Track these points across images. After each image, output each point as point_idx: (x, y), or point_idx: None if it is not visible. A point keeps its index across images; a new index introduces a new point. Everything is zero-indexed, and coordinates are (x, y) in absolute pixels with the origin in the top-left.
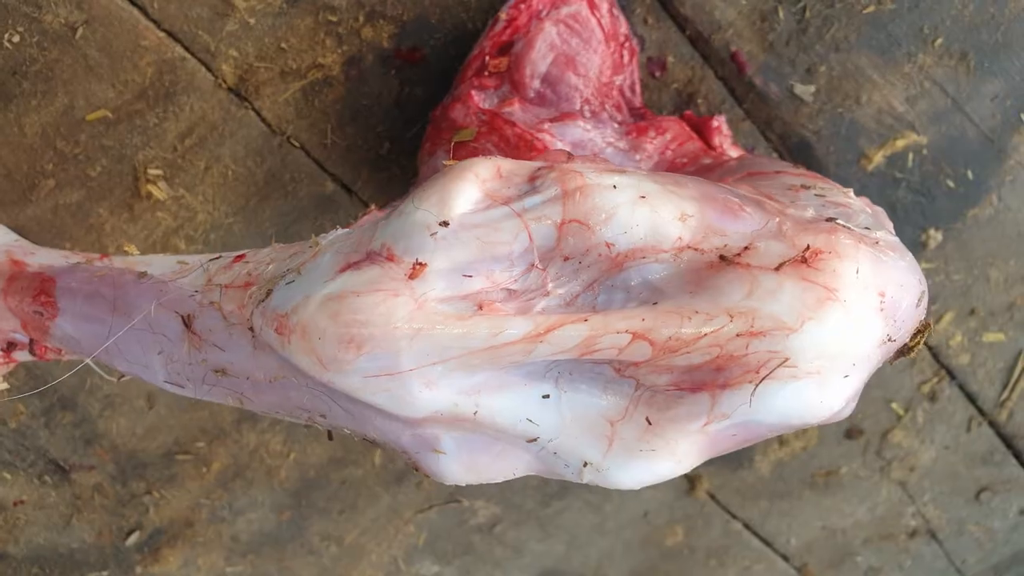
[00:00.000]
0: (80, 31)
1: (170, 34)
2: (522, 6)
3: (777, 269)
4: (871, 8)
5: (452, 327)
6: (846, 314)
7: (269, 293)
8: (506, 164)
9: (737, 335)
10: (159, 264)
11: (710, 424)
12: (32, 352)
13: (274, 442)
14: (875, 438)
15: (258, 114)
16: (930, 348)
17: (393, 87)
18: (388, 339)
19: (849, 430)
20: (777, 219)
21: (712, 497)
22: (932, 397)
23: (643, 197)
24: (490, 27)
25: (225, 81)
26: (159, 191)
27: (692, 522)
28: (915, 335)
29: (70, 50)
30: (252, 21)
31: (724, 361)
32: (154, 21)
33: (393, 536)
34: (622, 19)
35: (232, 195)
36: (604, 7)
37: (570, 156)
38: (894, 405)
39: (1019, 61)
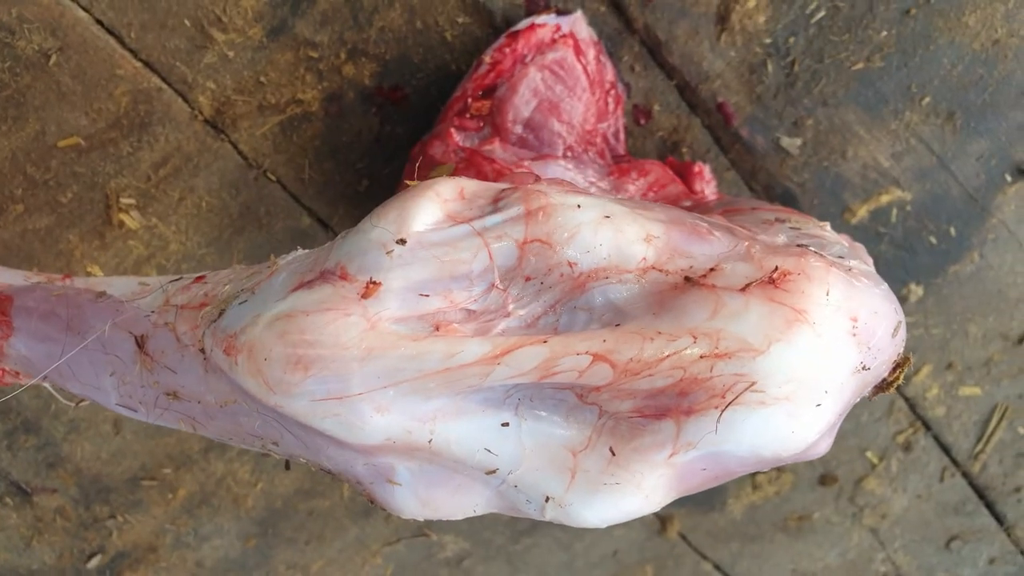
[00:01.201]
0: (54, 58)
1: (147, 64)
2: (507, 50)
3: (743, 290)
4: (860, 65)
5: (405, 348)
6: (816, 337)
7: (222, 313)
8: (470, 185)
9: (701, 357)
10: (120, 285)
11: (676, 455)
12: None
13: (242, 471)
14: (848, 485)
15: (235, 147)
16: (907, 399)
17: (373, 125)
18: (337, 360)
19: (823, 476)
20: (746, 243)
21: (683, 538)
22: (907, 447)
23: (608, 217)
24: (474, 69)
25: (202, 113)
26: (131, 220)
27: (662, 562)
28: (894, 369)
29: (43, 76)
30: (231, 54)
31: (688, 385)
32: (131, 50)
33: (360, 567)
34: (609, 66)
35: (206, 226)
36: (591, 53)
37: (537, 178)
38: (869, 454)
39: (1005, 122)
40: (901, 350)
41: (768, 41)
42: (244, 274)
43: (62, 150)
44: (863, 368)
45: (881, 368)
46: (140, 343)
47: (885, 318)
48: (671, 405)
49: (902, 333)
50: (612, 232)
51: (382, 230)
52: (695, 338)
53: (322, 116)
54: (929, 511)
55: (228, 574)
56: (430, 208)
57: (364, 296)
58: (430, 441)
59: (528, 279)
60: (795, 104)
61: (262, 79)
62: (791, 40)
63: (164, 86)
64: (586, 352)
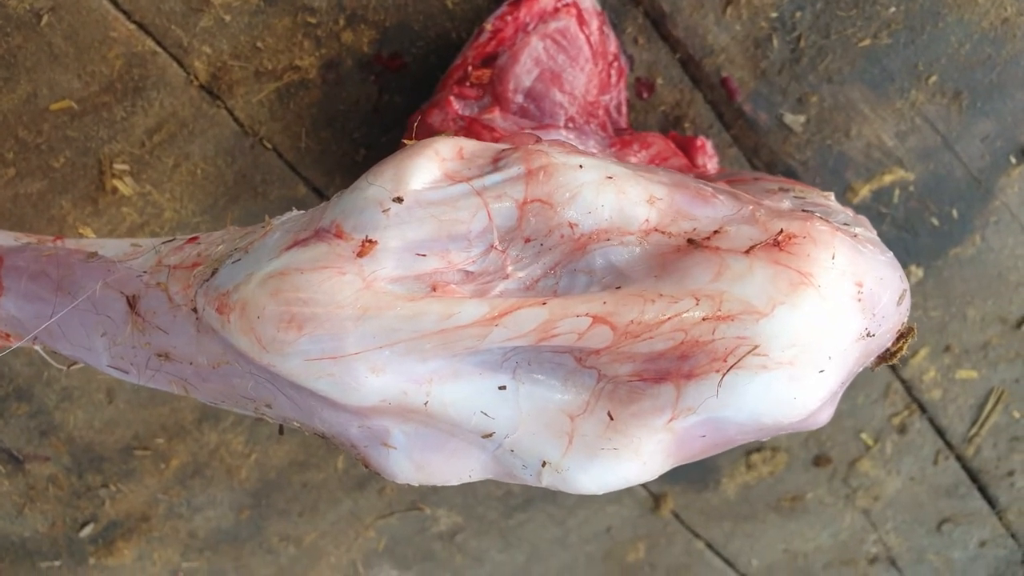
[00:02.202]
0: (45, 18)
1: (141, 26)
2: (509, 18)
3: (747, 252)
4: (867, 42)
5: (401, 308)
6: (821, 301)
7: (215, 272)
8: (469, 144)
9: (703, 319)
10: (112, 246)
11: (675, 420)
12: None
13: (236, 442)
14: (842, 466)
15: (230, 113)
16: (903, 381)
17: (372, 93)
18: (332, 319)
19: (817, 457)
20: (751, 207)
21: (676, 516)
22: (902, 429)
23: (610, 178)
24: (474, 37)
25: (197, 78)
26: (125, 186)
27: (655, 539)
28: (898, 339)
29: (34, 37)
30: (227, 18)
31: (689, 348)
32: (124, 12)
33: (353, 540)
34: (612, 37)
35: (200, 194)
36: (594, 24)
37: (538, 139)
38: (863, 435)
39: (1012, 103)
40: (905, 319)
41: (774, 15)
42: (238, 234)
43: (54, 113)
44: (867, 335)
45: (885, 337)
46: (132, 303)
47: (890, 285)
48: (671, 369)
49: (907, 302)
50: (614, 193)
51: (379, 188)
52: (697, 300)
53: (320, 83)
54: (922, 493)
55: (221, 545)
56: (428, 166)
57: (360, 255)
58: (426, 403)
59: (528, 240)
60: (800, 80)
61: (259, 44)
62: (797, 15)
63: (159, 50)
64: (586, 314)
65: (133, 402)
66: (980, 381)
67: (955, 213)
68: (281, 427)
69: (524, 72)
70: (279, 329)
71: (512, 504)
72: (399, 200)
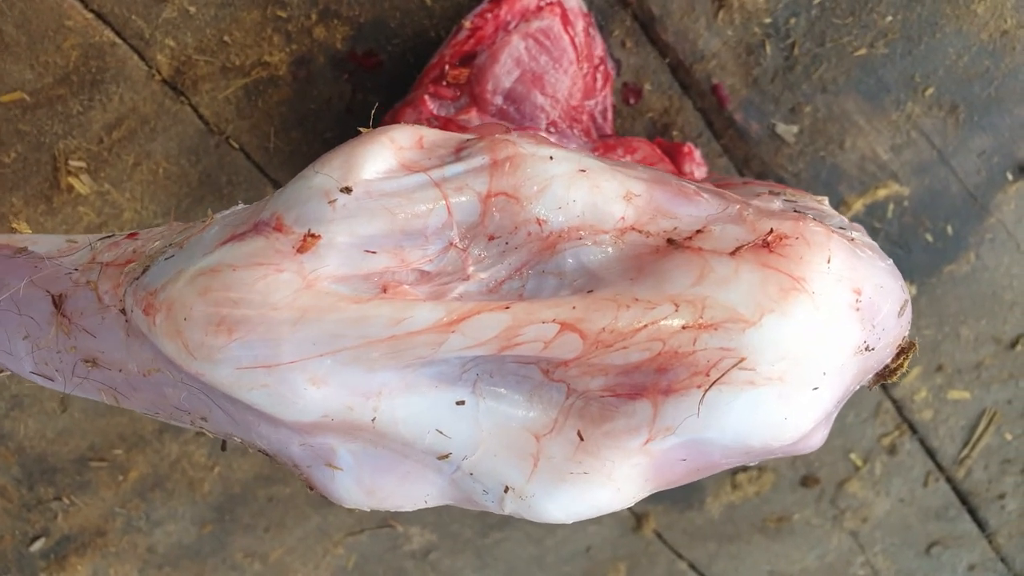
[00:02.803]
0: None
1: (99, 15)
2: (489, 15)
3: (733, 254)
4: (863, 51)
5: (346, 311)
6: (815, 309)
7: (146, 269)
8: (431, 133)
9: (683, 327)
10: (45, 242)
11: (653, 441)
12: None
13: (198, 454)
14: (830, 487)
15: (195, 110)
16: (894, 401)
17: (345, 92)
18: (265, 323)
19: (805, 478)
20: (738, 206)
21: (659, 536)
22: (892, 450)
23: (583, 171)
24: (452, 35)
25: (160, 72)
26: (81, 184)
27: (636, 560)
28: (898, 354)
29: None
30: (192, 10)
31: (667, 359)
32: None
33: (321, 557)
34: (598, 40)
35: (162, 194)
36: (579, 25)
37: (507, 129)
38: (853, 456)
39: (1010, 117)
40: (906, 333)
41: (768, 21)
42: (178, 229)
43: (5, 106)
44: (866, 348)
45: (884, 352)
46: (57, 303)
47: (891, 295)
48: (648, 383)
49: (908, 314)
50: (588, 187)
51: (325, 176)
52: (677, 306)
53: (290, 81)
54: (911, 515)
55: (182, 561)
56: (382, 154)
57: (300, 250)
58: (374, 420)
59: (491, 238)
60: (793, 89)
61: (226, 38)
62: (792, 21)
63: (118, 41)
64: (553, 320)
65: (89, 411)
66: (972, 402)
67: (950, 230)
68: (224, 442)
69: (504, 72)
70: (207, 333)
71: (488, 522)
72: (348, 190)
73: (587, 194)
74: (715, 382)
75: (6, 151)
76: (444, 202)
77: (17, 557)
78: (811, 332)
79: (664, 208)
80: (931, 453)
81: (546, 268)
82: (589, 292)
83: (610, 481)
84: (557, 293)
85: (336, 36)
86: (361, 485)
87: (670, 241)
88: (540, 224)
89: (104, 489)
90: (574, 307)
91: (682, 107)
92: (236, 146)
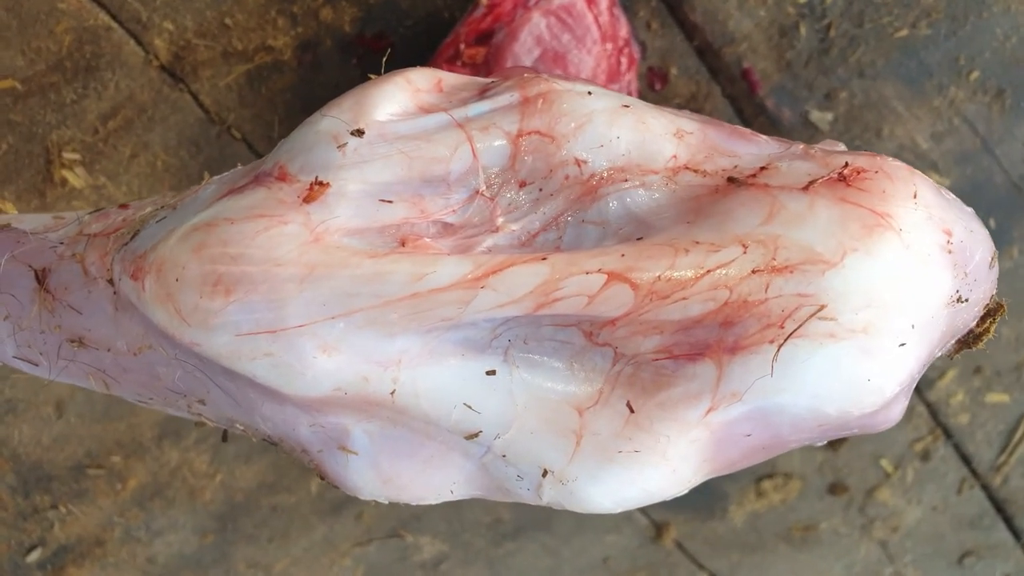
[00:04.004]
0: None
1: None
2: None
3: (805, 189)
4: (904, 32)
5: (360, 267)
6: (904, 249)
7: (136, 234)
8: (450, 77)
9: (753, 271)
10: (31, 220)
11: (715, 411)
12: None
13: (199, 461)
14: (859, 495)
15: (195, 98)
16: (928, 405)
17: (354, 77)
18: (268, 280)
19: (833, 485)
20: (802, 145)
21: (679, 546)
22: (925, 456)
23: (626, 106)
24: (469, 12)
25: (158, 57)
26: (75, 177)
27: (656, 571)
28: (983, 318)
29: None
30: None
31: (735, 311)
32: None
33: (327, 568)
34: (623, 20)
35: (161, 188)
36: (603, 3)
37: (535, 71)
38: (883, 462)
39: None
40: (994, 291)
41: (803, 1)
42: (170, 195)
43: None
44: (958, 299)
45: (973, 309)
46: (40, 278)
47: (982, 241)
48: (711, 341)
49: (996, 268)
50: (633, 123)
51: (333, 119)
52: (745, 247)
53: (295, 66)
54: (944, 524)
55: (182, 571)
56: (398, 95)
57: (307, 200)
58: (393, 392)
59: (523, 184)
60: (828, 74)
61: (227, 21)
62: (828, 1)
63: (114, 24)
64: (598, 270)
65: (86, 416)
66: (1012, 405)
67: (992, 223)
68: (225, 433)
69: (523, 51)
70: (202, 294)
71: (501, 532)
72: (359, 133)
73: (632, 131)
74: (791, 334)
75: None
76: (468, 144)
77: (13, 568)
78: (900, 275)
79: (720, 146)
80: (966, 459)
81: (586, 217)
82: (638, 239)
83: (664, 461)
84: (600, 244)
85: (344, 18)
86: (379, 472)
87: (731, 180)
88: (579, 165)
89: (102, 497)
90: (623, 255)
91: (710, 93)
92: (238, 136)
